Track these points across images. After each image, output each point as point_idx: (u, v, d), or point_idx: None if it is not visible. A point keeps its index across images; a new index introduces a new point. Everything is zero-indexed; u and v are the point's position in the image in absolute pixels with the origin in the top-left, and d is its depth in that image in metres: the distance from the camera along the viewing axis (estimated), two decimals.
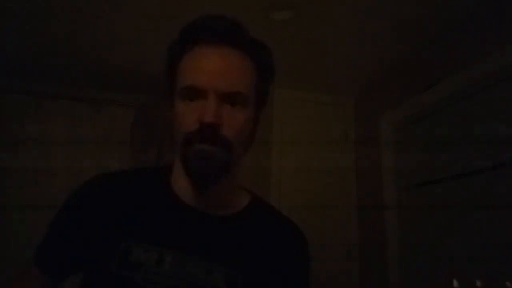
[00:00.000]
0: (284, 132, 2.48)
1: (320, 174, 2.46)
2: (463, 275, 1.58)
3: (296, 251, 0.79)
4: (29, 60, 2.29)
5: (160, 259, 0.66)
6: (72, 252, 0.72)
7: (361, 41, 1.97)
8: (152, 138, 2.59)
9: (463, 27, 1.73)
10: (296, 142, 2.48)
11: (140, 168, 0.88)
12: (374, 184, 2.26)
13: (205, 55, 0.68)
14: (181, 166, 0.70)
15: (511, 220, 1.43)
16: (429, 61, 1.94)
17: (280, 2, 1.68)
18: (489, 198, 1.54)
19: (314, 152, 2.49)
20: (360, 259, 2.35)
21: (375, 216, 2.21)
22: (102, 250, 0.67)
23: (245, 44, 0.70)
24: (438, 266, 1.76)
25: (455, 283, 1.57)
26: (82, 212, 0.73)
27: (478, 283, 1.46)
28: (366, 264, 2.30)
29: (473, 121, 1.67)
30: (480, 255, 1.54)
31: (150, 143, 2.58)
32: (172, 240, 0.69)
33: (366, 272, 2.29)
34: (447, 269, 1.70)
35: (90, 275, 0.69)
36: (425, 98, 1.90)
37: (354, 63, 2.20)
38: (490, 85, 1.59)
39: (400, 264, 1.99)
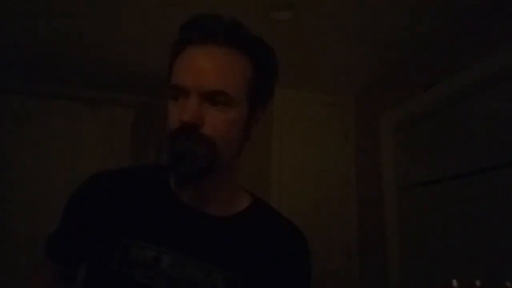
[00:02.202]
0: (284, 132, 2.47)
1: (320, 174, 2.46)
2: (463, 274, 1.58)
3: (297, 252, 0.79)
4: (29, 60, 2.29)
5: (158, 258, 0.66)
6: (77, 247, 0.74)
7: (361, 41, 1.96)
8: (152, 138, 2.59)
9: (463, 27, 1.73)
10: (296, 142, 2.48)
11: (141, 166, 0.88)
12: (374, 184, 2.26)
13: (192, 55, 0.67)
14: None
15: (511, 220, 1.43)
16: (429, 61, 1.94)
17: (280, 2, 1.68)
18: (489, 198, 1.54)
19: (314, 152, 2.49)
20: (360, 259, 2.35)
21: (375, 216, 2.21)
22: (103, 247, 0.68)
23: (238, 43, 0.69)
24: (438, 266, 1.76)
25: (454, 282, 1.57)
26: (84, 209, 0.74)
27: (478, 283, 1.45)
28: (366, 264, 2.30)
29: (473, 121, 1.67)
30: (480, 255, 1.54)
31: (150, 143, 2.58)
32: (170, 239, 0.69)
33: (366, 272, 2.29)
34: (447, 269, 1.70)
35: (92, 271, 0.70)
36: (425, 98, 1.90)
37: (354, 63, 2.20)
38: (490, 85, 1.59)
39: (400, 264, 1.99)
